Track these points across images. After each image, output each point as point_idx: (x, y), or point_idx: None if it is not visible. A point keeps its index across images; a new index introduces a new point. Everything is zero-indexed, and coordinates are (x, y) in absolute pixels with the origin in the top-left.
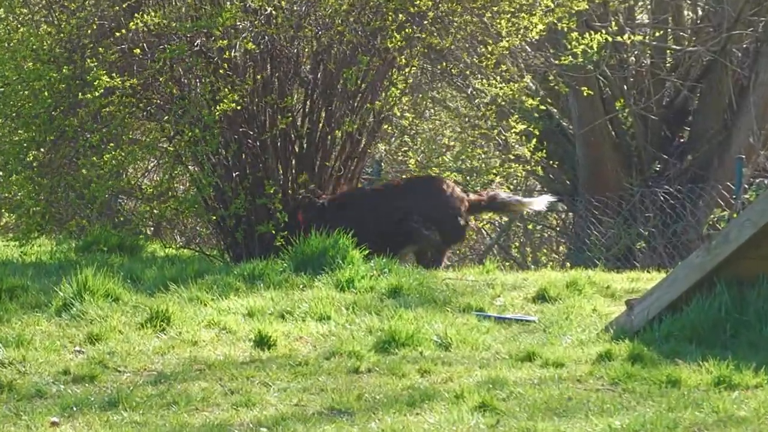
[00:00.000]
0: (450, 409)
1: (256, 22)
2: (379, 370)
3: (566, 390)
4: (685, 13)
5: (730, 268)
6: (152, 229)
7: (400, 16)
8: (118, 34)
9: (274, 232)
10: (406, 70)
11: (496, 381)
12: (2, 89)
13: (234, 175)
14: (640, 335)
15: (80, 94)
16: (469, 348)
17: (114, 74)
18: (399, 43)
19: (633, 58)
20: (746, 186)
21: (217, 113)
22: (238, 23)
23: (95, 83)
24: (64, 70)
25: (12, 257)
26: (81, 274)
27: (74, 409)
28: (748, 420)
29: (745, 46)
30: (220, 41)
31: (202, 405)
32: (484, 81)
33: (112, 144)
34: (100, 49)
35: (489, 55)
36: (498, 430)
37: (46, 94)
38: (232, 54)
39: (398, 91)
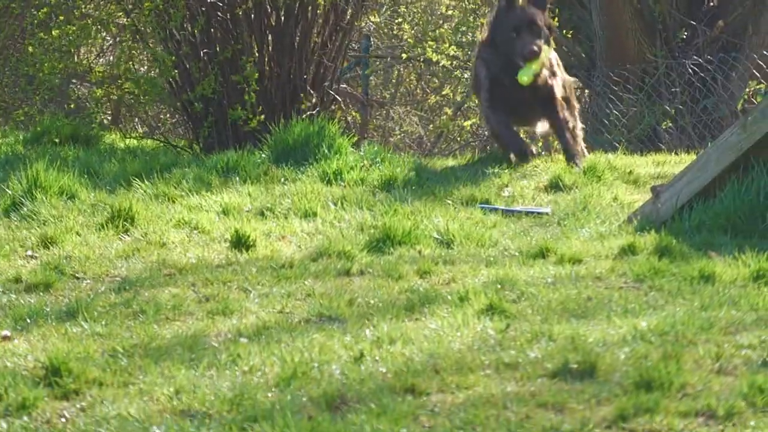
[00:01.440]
0: (454, 313)
1: None
2: (373, 272)
3: (585, 289)
4: None
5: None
6: (110, 117)
7: None
8: None
9: (248, 117)
10: None
11: (505, 281)
12: None
13: (201, 53)
14: (667, 225)
15: None
16: (473, 245)
17: None
18: None
19: None
20: None
21: None
22: None
23: None
24: None
25: None
26: (31, 168)
27: (28, 320)
28: None
29: None
30: None
31: (173, 314)
32: None
33: (62, 17)
34: None
35: None
36: (508, 335)
37: None
38: None
39: None
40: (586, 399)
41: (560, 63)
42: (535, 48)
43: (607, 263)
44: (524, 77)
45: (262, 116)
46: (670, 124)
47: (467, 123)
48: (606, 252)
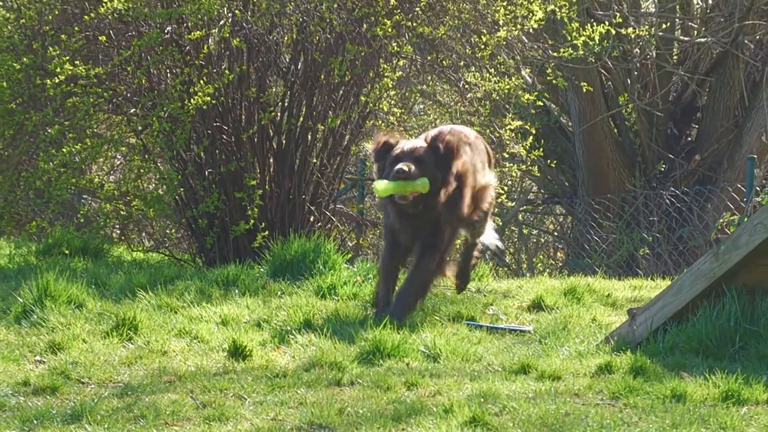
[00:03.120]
0: (438, 424)
1: (235, 10)
2: (363, 383)
3: (563, 404)
4: (694, 1)
5: (740, 275)
6: (118, 231)
7: (391, 1)
8: (86, 18)
9: (253, 231)
10: (395, 61)
11: (488, 394)
12: None
13: (206, 172)
14: (642, 346)
15: (39, 81)
16: (459, 359)
17: (77, 62)
18: (389, 29)
19: (637, 50)
20: (758, 188)
21: (191, 107)
22: (216, 10)
23: (57, 71)
24: (23, 59)
25: None
26: (42, 278)
27: (35, 422)
28: None
29: (758, 37)
30: (196, 32)
31: (172, 419)
32: (478, 74)
33: (72, 134)
34: (63, 36)
35: (483, 46)
36: None
37: (4, 84)
38: (208, 44)
39: (388, 83)
40: None
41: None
42: (405, 168)
43: (585, 381)
44: (379, 187)
45: (266, 232)
46: (648, 251)
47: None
48: (584, 370)
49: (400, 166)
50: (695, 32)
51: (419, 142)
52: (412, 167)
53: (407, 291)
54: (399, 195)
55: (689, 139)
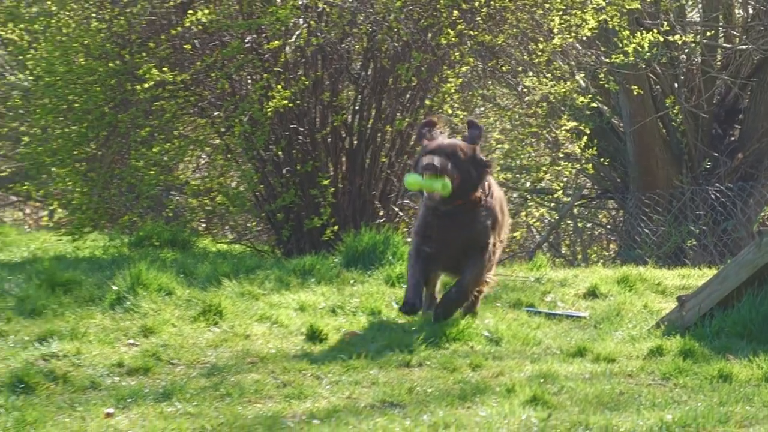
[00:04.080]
0: (501, 402)
1: (310, 21)
2: (431, 364)
3: (617, 384)
4: (736, 11)
5: None
6: (203, 224)
7: (454, 12)
8: (173, 31)
9: (325, 225)
10: (457, 67)
11: (547, 375)
12: (54, 83)
13: (284, 171)
14: (691, 331)
15: (130, 86)
16: (519, 343)
17: (165, 69)
18: (452, 39)
19: (684, 56)
20: None
21: (269, 110)
22: (291, 21)
23: (146, 76)
24: (114, 65)
25: (65, 252)
26: (134, 268)
27: (129, 400)
28: None
29: None
30: (274, 42)
31: (255, 397)
32: (535, 78)
33: (161, 135)
34: (151, 44)
35: (540, 53)
36: (549, 423)
37: (97, 89)
38: (286, 55)
39: (451, 87)
40: None
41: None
42: (435, 163)
43: (638, 363)
44: (410, 179)
45: (336, 227)
46: (695, 243)
47: (516, 235)
48: (636, 353)
49: (428, 159)
50: (737, 40)
51: (458, 141)
52: (444, 164)
53: (457, 293)
54: (428, 194)
55: (732, 138)
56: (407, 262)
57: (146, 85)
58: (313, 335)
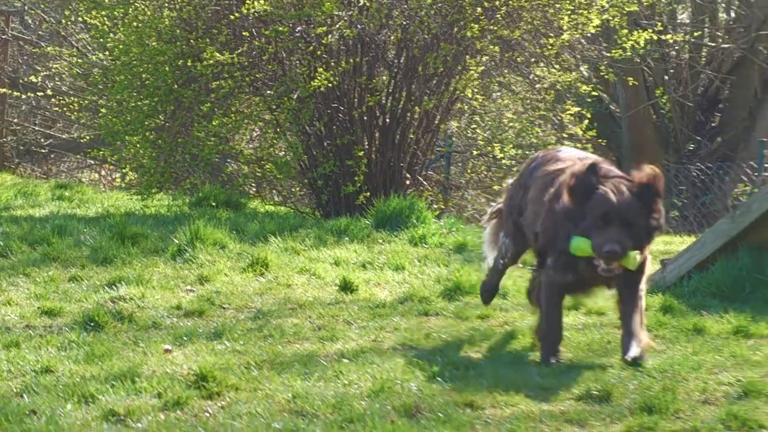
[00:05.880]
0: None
1: (352, 13)
2: (446, 314)
3: (606, 334)
4: (720, 14)
5: (751, 235)
6: (254, 188)
7: (478, 9)
8: (232, 17)
9: (359, 191)
10: (479, 57)
11: None
12: (129, 62)
13: (325, 143)
14: (671, 290)
15: (194, 66)
16: (523, 297)
17: (225, 52)
18: (475, 32)
19: (674, 52)
20: (767, 165)
21: (312, 87)
22: (336, 12)
23: (208, 57)
24: (182, 48)
25: (135, 209)
26: (193, 224)
27: (185, 338)
28: (761, 364)
29: None
30: (319, 28)
31: (294, 338)
32: (545, 69)
33: (221, 111)
34: (214, 31)
35: (550, 47)
36: (546, 366)
37: (167, 68)
38: (329, 39)
39: (474, 75)
40: (602, 418)
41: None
42: (618, 249)
43: None
44: (579, 244)
45: (368, 193)
46: (677, 214)
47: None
48: None
49: (612, 247)
50: (720, 39)
51: (626, 192)
52: (626, 244)
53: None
54: (604, 267)
55: (713, 124)
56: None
57: (208, 64)
58: (346, 286)
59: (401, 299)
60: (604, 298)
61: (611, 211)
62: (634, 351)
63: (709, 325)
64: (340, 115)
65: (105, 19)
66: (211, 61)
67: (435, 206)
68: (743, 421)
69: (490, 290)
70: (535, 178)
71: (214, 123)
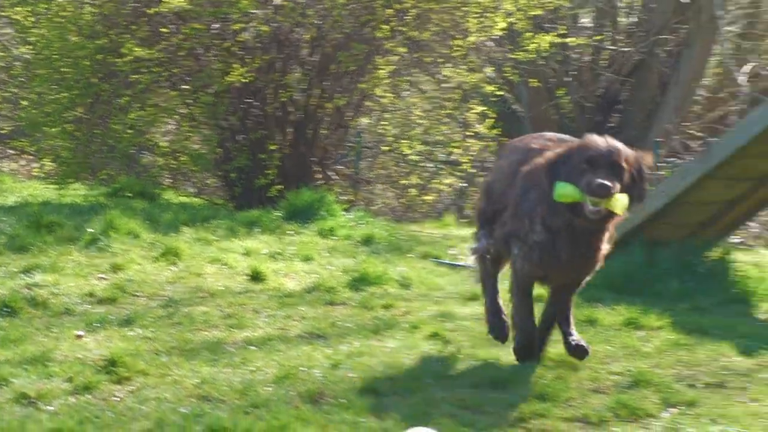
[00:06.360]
0: (407, 336)
1: (267, 11)
2: (351, 304)
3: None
4: (621, 19)
5: (644, 231)
6: (169, 180)
7: (387, 11)
8: (149, 11)
9: (272, 184)
10: (389, 57)
11: (446, 315)
12: (50, 56)
13: (239, 138)
14: None
15: (113, 60)
16: (425, 288)
17: (143, 48)
18: (386, 33)
19: (576, 55)
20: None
21: (227, 82)
22: (252, 11)
23: (127, 53)
24: (102, 43)
25: (51, 199)
26: (108, 214)
27: (97, 325)
28: (651, 354)
29: (668, 49)
30: (235, 24)
31: (203, 326)
32: (453, 69)
33: (138, 104)
34: (134, 26)
35: (458, 48)
36: (445, 355)
37: (86, 63)
38: (245, 36)
39: (382, 74)
40: (498, 405)
41: None
42: (609, 183)
43: None
44: (563, 191)
45: (281, 186)
46: None
47: (429, 198)
48: None
49: (603, 181)
50: (621, 43)
51: (621, 146)
52: (616, 186)
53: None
54: (592, 209)
55: (612, 125)
56: (513, 294)
57: (126, 59)
58: (255, 276)
59: (309, 289)
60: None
61: (599, 156)
62: (577, 336)
63: (601, 317)
64: (254, 110)
65: (28, 14)
66: (130, 57)
67: (344, 199)
68: (632, 409)
69: (499, 323)
70: (509, 160)
71: (131, 116)
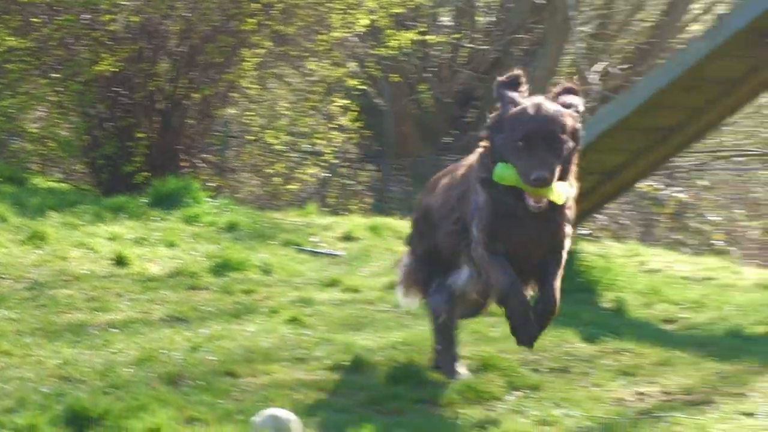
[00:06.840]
0: (266, 321)
1: (138, 2)
2: (213, 288)
3: (360, 311)
4: (479, 18)
5: None
6: (39, 165)
7: (254, 5)
8: (22, 0)
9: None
10: (255, 50)
11: (305, 300)
12: None
13: (107, 125)
14: None
15: None
16: (286, 274)
17: (15, 38)
18: (252, 26)
19: (435, 52)
20: None
21: (96, 71)
22: (121, 2)
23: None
24: None
25: None
26: None
27: None
28: (498, 340)
29: (524, 47)
30: (105, 15)
31: (67, 308)
32: (317, 63)
33: (9, 92)
34: (6, 16)
35: (322, 43)
36: (303, 338)
37: None
38: (114, 26)
39: (249, 66)
40: (353, 387)
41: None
42: (546, 176)
43: (377, 293)
44: (502, 173)
45: (147, 173)
46: None
47: (292, 187)
48: (377, 285)
49: (540, 173)
50: (478, 41)
51: (558, 111)
52: (555, 171)
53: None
54: (535, 198)
55: (468, 119)
56: (482, 260)
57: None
58: (120, 260)
59: (172, 274)
60: (361, 276)
61: (534, 133)
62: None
63: None
64: (122, 98)
65: None
66: (4, 48)
67: (210, 187)
68: (478, 392)
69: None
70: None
71: (3, 103)
